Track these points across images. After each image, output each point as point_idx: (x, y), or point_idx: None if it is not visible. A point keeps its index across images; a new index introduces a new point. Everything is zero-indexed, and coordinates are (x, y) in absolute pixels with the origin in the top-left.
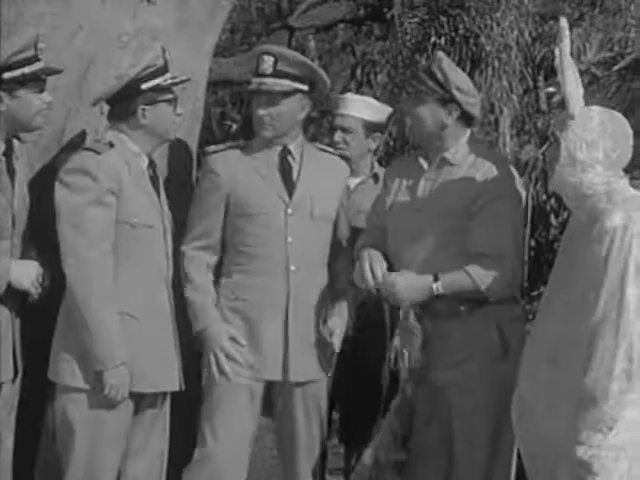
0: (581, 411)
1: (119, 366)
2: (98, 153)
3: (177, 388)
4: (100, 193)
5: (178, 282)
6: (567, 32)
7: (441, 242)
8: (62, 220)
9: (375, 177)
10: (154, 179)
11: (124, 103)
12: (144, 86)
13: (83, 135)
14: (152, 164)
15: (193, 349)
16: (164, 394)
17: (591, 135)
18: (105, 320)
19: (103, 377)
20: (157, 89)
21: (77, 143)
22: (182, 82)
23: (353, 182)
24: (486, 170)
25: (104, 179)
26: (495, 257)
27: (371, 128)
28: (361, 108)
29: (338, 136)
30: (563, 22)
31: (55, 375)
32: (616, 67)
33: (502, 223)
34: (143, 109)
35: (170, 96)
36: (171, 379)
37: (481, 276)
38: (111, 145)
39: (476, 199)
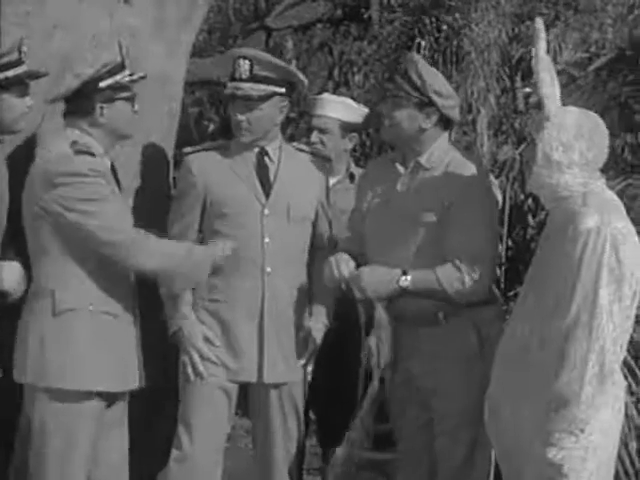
0: (552, 413)
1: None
2: (93, 155)
3: (137, 386)
4: (106, 192)
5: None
6: (543, 34)
7: (417, 248)
8: (88, 216)
9: (351, 177)
10: (116, 177)
11: (82, 101)
12: (102, 84)
13: (35, 137)
14: (112, 163)
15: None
16: (126, 394)
17: (567, 136)
18: (184, 247)
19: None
20: (115, 87)
21: (32, 144)
22: (140, 79)
23: (330, 182)
24: (461, 174)
25: (105, 180)
26: (468, 263)
27: (348, 128)
28: (338, 109)
29: (315, 136)
30: (539, 23)
31: (23, 376)
32: (591, 67)
33: (476, 229)
34: (101, 107)
35: (128, 94)
36: (138, 377)
37: (450, 279)
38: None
39: (451, 205)
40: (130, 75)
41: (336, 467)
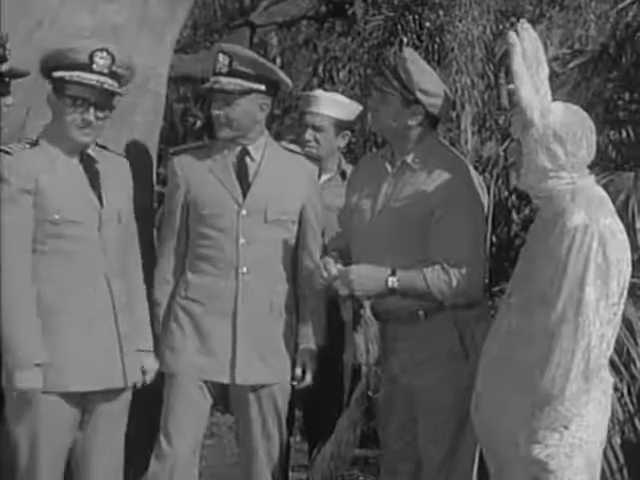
0: (536, 411)
1: (31, 368)
2: (9, 154)
3: (122, 385)
4: (11, 194)
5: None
6: (517, 48)
7: (401, 249)
8: None
9: (343, 174)
10: (90, 174)
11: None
12: (56, 74)
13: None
14: (88, 159)
15: None
16: (116, 392)
17: (552, 140)
18: (19, 321)
19: (13, 378)
20: (65, 81)
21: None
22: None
23: (321, 180)
24: (446, 176)
25: (14, 180)
26: (456, 266)
27: (341, 126)
28: (332, 106)
29: (309, 134)
30: (512, 38)
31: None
32: (571, 64)
33: (463, 234)
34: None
35: (85, 96)
36: (113, 376)
37: (436, 281)
38: (34, 143)
39: (436, 207)
40: (99, 82)
41: (322, 464)
